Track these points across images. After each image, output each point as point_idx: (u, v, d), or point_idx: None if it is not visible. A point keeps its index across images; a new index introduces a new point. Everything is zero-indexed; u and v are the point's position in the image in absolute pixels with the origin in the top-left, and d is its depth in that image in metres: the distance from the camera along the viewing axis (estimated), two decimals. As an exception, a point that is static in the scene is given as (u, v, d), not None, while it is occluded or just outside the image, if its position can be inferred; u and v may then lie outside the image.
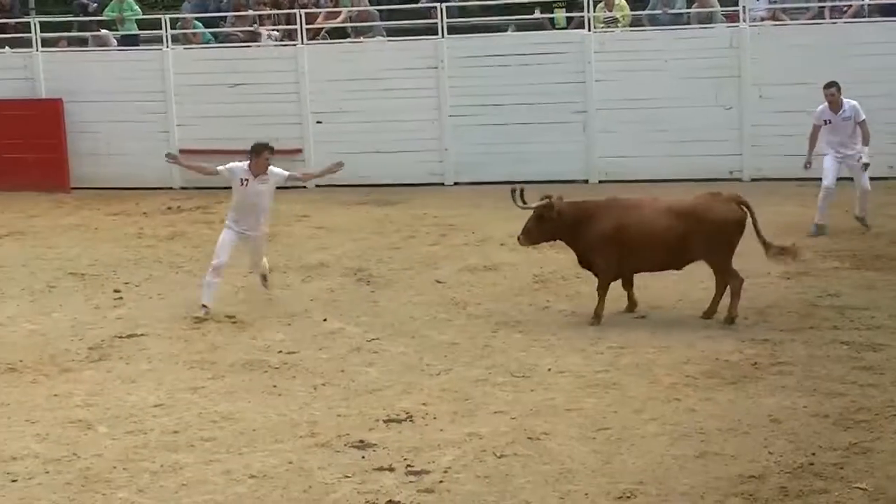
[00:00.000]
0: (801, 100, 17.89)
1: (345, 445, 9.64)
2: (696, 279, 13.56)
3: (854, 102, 15.52)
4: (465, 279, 14.26)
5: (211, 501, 8.75)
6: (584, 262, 12.51)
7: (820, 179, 15.62)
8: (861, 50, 18.22)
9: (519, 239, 12.54)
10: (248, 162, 12.88)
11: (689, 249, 12.15)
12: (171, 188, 19.92)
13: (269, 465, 9.28)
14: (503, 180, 18.78)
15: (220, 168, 12.98)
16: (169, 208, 18.68)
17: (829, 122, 15.59)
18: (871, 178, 15.68)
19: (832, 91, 15.52)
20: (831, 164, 15.57)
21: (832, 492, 8.48)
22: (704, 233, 12.07)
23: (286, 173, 13.22)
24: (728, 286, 12.21)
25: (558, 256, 14.62)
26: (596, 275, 12.41)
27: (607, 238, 12.14)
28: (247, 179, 12.82)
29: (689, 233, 12.06)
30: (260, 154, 12.84)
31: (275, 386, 11.00)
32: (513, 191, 12.35)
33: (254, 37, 20.59)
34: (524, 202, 12.36)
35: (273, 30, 20.59)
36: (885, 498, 8.38)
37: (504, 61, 19.38)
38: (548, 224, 12.33)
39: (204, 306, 12.87)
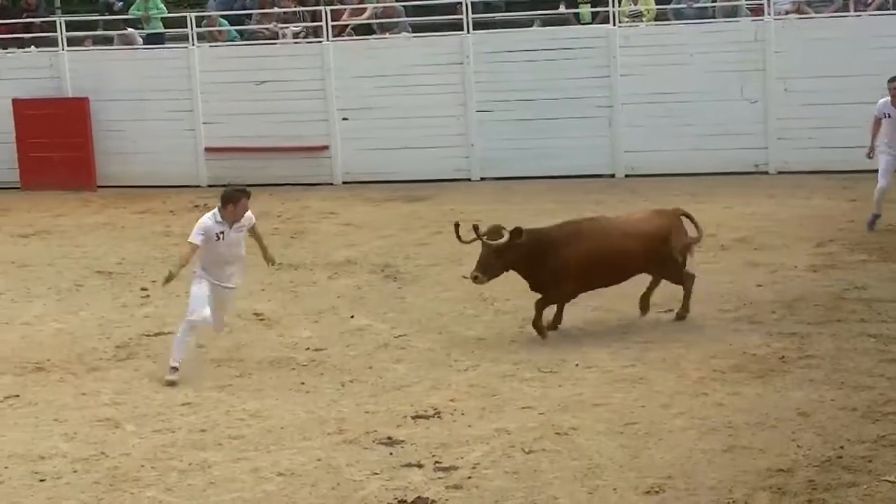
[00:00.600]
0: (826, 93, 17.87)
1: (373, 442, 9.65)
2: (722, 275, 13.56)
3: None
4: (491, 275, 14.24)
5: (239, 499, 8.77)
6: (539, 288, 11.94)
7: (846, 172, 15.52)
8: (886, 42, 18.09)
9: (476, 277, 11.69)
10: (218, 212, 11.20)
11: (644, 266, 12.02)
12: (197, 186, 19.95)
13: (297, 463, 9.30)
14: (529, 175, 18.88)
15: (197, 240, 11.14)
16: (196, 206, 18.66)
17: (889, 117, 15.05)
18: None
19: (895, 85, 14.99)
20: (885, 164, 15.09)
21: (861, 485, 8.45)
22: (665, 252, 11.95)
23: (254, 217, 11.60)
24: (686, 284, 12.15)
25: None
26: (546, 297, 11.92)
27: (575, 263, 11.69)
28: (222, 232, 11.18)
29: (651, 251, 11.91)
30: (238, 202, 11.24)
31: (302, 383, 11.02)
32: (456, 225, 11.87)
33: (275, 34, 20.61)
34: (462, 236, 11.72)
35: (292, 26, 20.58)
36: (915, 491, 8.37)
37: (529, 56, 19.36)
38: (509, 254, 11.65)
39: (174, 368, 11.18)
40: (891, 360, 10.76)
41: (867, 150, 15.24)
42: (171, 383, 11.06)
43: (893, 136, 15.12)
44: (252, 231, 11.57)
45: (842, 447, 9.05)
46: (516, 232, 11.63)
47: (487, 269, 11.67)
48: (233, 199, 11.25)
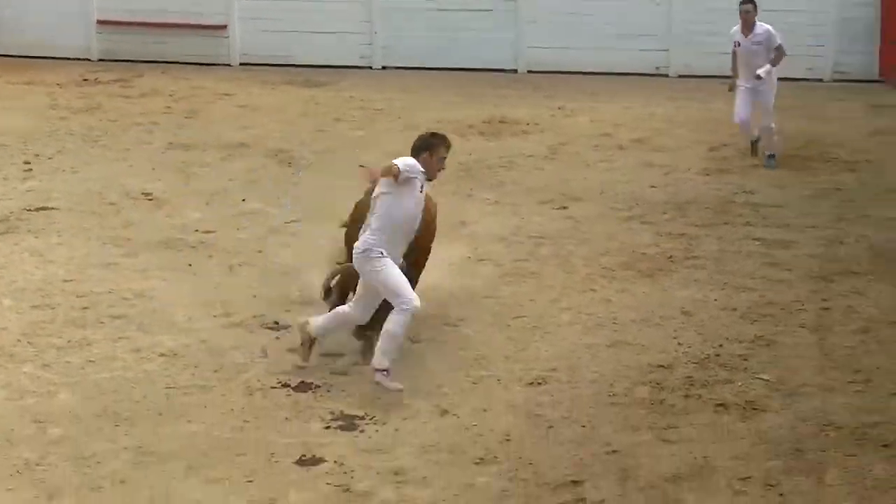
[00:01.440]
0: (731, -2, 17.84)
1: (259, 326, 9.63)
2: (618, 174, 13.64)
3: (768, 27, 13.89)
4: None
5: (120, 378, 8.72)
6: None
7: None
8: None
9: None
10: (420, 159, 8.70)
11: None
12: (87, 59, 19.36)
13: (180, 344, 9.25)
14: (432, 66, 18.69)
15: (402, 167, 8.55)
16: (85, 80, 18.19)
17: (739, 46, 13.96)
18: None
19: (747, 8, 13.83)
20: (740, 98, 13.90)
21: (736, 382, 8.72)
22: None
23: None
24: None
25: (488, 144, 14.60)
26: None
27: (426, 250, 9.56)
28: (422, 187, 8.81)
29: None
30: (437, 149, 8.77)
31: (190, 265, 10.91)
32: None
33: None
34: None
35: None
36: (786, 388, 8.63)
37: (437, -56, 19.07)
38: None
39: (385, 371, 8.63)
40: (772, 263, 10.98)
41: (730, 84, 14.21)
42: (399, 390, 8.62)
43: (744, 68, 13.95)
44: None
45: (720, 346, 9.29)
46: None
47: None
48: (431, 146, 8.77)
